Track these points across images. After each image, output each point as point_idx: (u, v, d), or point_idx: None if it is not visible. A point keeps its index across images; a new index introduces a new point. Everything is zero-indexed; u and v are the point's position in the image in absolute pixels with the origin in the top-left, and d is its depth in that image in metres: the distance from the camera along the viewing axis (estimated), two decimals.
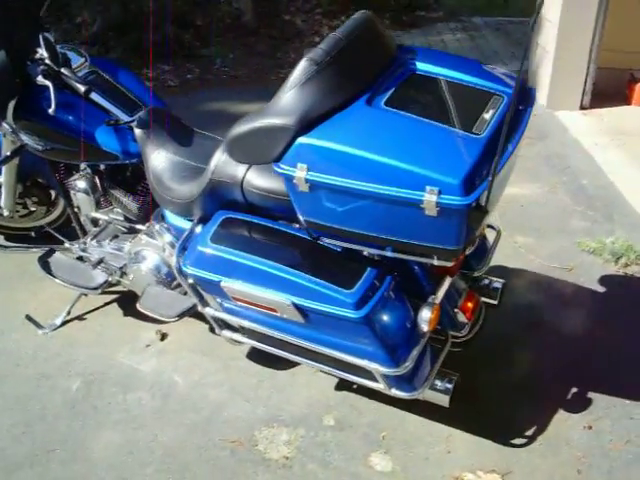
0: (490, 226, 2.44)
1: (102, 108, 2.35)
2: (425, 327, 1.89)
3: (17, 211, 2.99)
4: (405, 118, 1.70)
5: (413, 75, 1.88)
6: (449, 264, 1.78)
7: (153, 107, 2.39)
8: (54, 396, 2.40)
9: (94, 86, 2.34)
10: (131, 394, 2.40)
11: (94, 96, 2.30)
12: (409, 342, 1.93)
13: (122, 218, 2.59)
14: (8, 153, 2.57)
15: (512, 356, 2.51)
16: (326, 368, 2.08)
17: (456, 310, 2.14)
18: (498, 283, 2.38)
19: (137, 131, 2.30)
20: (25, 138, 2.42)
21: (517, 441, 2.19)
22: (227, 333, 2.20)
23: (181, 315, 2.33)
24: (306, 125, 1.69)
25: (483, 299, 2.33)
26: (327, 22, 5.74)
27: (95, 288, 2.59)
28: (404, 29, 5.69)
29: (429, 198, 1.56)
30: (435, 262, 1.77)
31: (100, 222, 2.67)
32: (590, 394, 2.34)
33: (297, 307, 1.88)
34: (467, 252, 2.12)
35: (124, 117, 2.36)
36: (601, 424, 2.23)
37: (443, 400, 2.05)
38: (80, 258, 2.69)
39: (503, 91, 1.83)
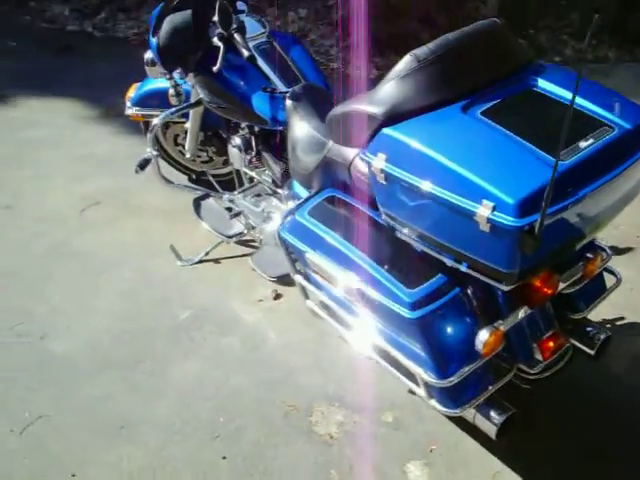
0: (611, 272, 2.25)
1: (265, 76, 2.56)
2: (480, 348, 1.84)
3: (199, 156, 3.36)
4: (492, 130, 1.67)
5: (528, 91, 1.82)
6: (504, 288, 1.71)
7: (310, 84, 2.55)
8: (164, 319, 2.71)
9: (264, 55, 2.57)
10: (226, 337, 2.62)
11: (259, 63, 2.52)
12: (461, 359, 1.87)
13: (270, 180, 2.79)
14: (192, 102, 2.90)
15: (598, 418, 2.31)
16: (380, 361, 2.09)
17: (535, 345, 2.03)
18: (602, 334, 2.19)
19: (288, 102, 2.47)
20: (200, 91, 2.72)
21: None
22: (310, 304, 2.30)
23: (280, 277, 2.48)
24: (394, 117, 1.73)
25: (580, 346, 2.18)
26: (574, 43, 5.47)
27: (229, 236, 2.86)
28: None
29: (482, 212, 1.53)
30: (492, 283, 1.72)
31: (255, 181, 2.91)
32: None
33: (360, 293, 1.93)
34: (564, 290, 2.03)
35: (282, 87, 2.55)
36: None
37: (490, 430, 1.96)
38: (229, 209, 2.95)
39: (616, 123, 1.71)
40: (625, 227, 3.33)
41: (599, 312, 2.69)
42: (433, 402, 1.94)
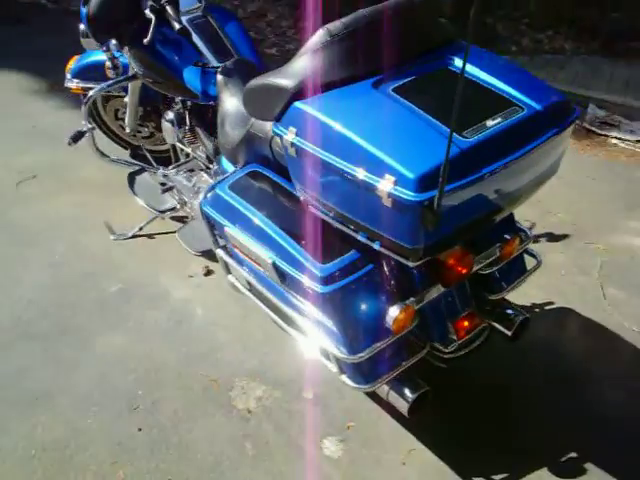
0: (532, 254, 2.28)
1: (198, 50, 2.54)
2: (390, 325, 1.85)
3: (139, 132, 3.33)
4: (400, 107, 1.67)
5: (443, 70, 1.83)
6: (411, 264, 1.72)
7: (242, 59, 2.54)
8: (91, 292, 2.71)
9: (198, 29, 2.54)
10: (153, 311, 2.62)
11: (191, 36, 2.50)
12: (372, 335, 1.88)
13: (204, 156, 2.78)
14: (129, 75, 2.87)
15: (514, 399, 2.36)
16: (296, 335, 2.09)
17: (449, 324, 2.06)
18: (520, 316, 2.21)
19: (219, 77, 2.45)
20: (134, 64, 2.69)
21: None
22: (231, 278, 2.30)
23: (204, 252, 2.48)
24: (304, 91, 1.73)
25: (498, 327, 2.20)
26: (531, 33, 5.50)
27: (161, 211, 2.85)
28: (610, 57, 5.29)
29: (383, 186, 1.54)
30: (400, 259, 1.73)
31: (190, 156, 2.89)
32: (588, 467, 2.10)
33: (275, 267, 1.93)
34: (482, 271, 2.06)
35: (214, 62, 2.53)
36: None
37: (403, 407, 1.98)
38: (163, 184, 2.93)
39: (526, 104, 1.73)
40: (563, 215, 3.40)
41: (529, 295, 2.77)
42: (344, 377, 1.95)
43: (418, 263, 1.72)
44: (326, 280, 1.81)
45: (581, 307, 2.77)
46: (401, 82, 1.75)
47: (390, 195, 1.53)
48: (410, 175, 1.51)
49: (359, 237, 1.80)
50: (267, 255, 1.95)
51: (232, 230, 2.07)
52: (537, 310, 2.75)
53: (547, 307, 2.77)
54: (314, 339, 1.96)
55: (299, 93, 1.73)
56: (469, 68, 1.84)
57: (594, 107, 4.55)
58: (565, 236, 3.24)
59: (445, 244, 1.74)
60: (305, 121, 1.71)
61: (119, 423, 2.18)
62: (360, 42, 1.75)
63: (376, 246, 1.77)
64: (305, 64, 1.76)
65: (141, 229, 3.01)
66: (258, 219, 1.99)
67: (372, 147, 1.57)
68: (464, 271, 1.93)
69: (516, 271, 2.23)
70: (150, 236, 3.03)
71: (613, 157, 4.06)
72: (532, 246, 3.09)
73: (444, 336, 2.04)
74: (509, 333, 2.20)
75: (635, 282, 2.97)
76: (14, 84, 4.58)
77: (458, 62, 1.85)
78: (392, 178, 1.53)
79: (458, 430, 2.20)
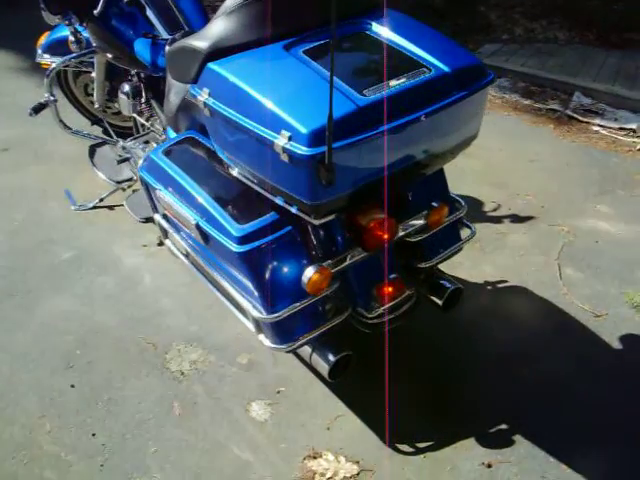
0: (466, 225, 2.29)
1: (150, 22, 2.58)
2: (304, 286, 1.87)
3: (109, 107, 3.38)
4: (306, 67, 1.71)
5: (358, 33, 1.86)
6: (314, 222, 1.75)
7: (191, 31, 2.57)
8: (45, 257, 2.78)
9: (152, 2, 2.58)
10: (102, 277, 2.68)
11: (143, 9, 2.54)
12: (290, 295, 1.90)
13: (161, 128, 2.82)
14: (90, 49, 2.91)
15: (445, 366, 2.38)
16: (220, 296, 2.13)
17: (373, 290, 2.07)
18: (451, 285, 2.22)
19: (167, 48, 2.47)
20: (91, 37, 2.74)
21: (403, 447, 2.08)
22: (168, 243, 2.34)
23: (146, 219, 2.53)
24: (218, 52, 1.77)
25: (430, 297, 2.22)
26: (524, 22, 5.46)
27: (118, 182, 2.89)
28: (606, 47, 5.23)
29: (279, 142, 1.57)
30: (305, 217, 1.76)
31: (147, 128, 2.94)
32: (516, 438, 2.11)
33: (199, 228, 1.97)
34: (411, 238, 2.07)
35: (164, 34, 2.57)
36: (504, 470, 2.01)
37: (323, 369, 2.00)
38: (121, 156, 2.99)
39: (435, 66, 1.75)
40: (532, 197, 3.39)
41: (483, 273, 2.77)
42: (262, 337, 1.98)
43: (322, 221, 1.76)
44: (242, 240, 1.84)
45: (534, 286, 2.77)
46: (313, 45, 1.78)
47: (285, 150, 1.56)
48: (303, 130, 1.54)
49: (277, 201, 1.83)
50: (192, 216, 1.98)
51: (164, 193, 2.11)
52: (489, 287, 2.75)
53: (499, 285, 2.77)
54: (235, 299, 2.00)
55: (213, 54, 1.77)
56: (384, 32, 1.86)
57: (579, 95, 4.52)
58: (530, 218, 3.23)
59: (349, 202, 1.75)
60: (217, 81, 1.75)
61: (53, 380, 2.24)
62: (273, 5, 1.78)
63: (293, 210, 1.80)
64: (219, 26, 1.79)
65: (102, 200, 3.07)
66: (185, 182, 2.02)
67: (272, 105, 1.61)
68: (385, 236, 1.94)
69: (448, 241, 2.23)
70: (110, 207, 3.09)
71: (592, 143, 4.03)
72: (496, 227, 3.15)
73: (367, 301, 2.05)
74: (440, 302, 2.22)
75: (594, 264, 2.96)
76: None
77: (375, 27, 1.87)
78: (287, 134, 1.56)
79: (390, 399, 2.20)
